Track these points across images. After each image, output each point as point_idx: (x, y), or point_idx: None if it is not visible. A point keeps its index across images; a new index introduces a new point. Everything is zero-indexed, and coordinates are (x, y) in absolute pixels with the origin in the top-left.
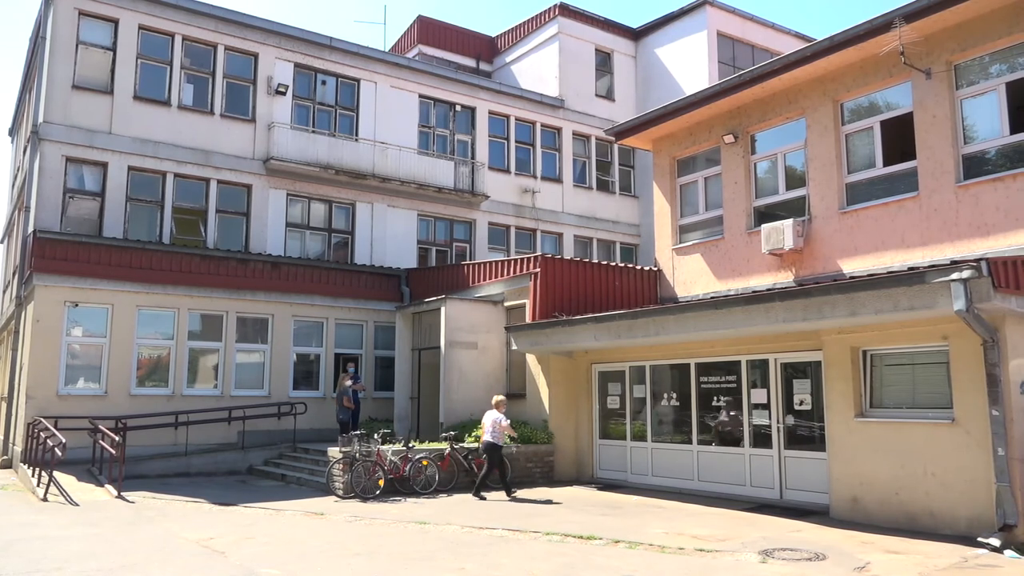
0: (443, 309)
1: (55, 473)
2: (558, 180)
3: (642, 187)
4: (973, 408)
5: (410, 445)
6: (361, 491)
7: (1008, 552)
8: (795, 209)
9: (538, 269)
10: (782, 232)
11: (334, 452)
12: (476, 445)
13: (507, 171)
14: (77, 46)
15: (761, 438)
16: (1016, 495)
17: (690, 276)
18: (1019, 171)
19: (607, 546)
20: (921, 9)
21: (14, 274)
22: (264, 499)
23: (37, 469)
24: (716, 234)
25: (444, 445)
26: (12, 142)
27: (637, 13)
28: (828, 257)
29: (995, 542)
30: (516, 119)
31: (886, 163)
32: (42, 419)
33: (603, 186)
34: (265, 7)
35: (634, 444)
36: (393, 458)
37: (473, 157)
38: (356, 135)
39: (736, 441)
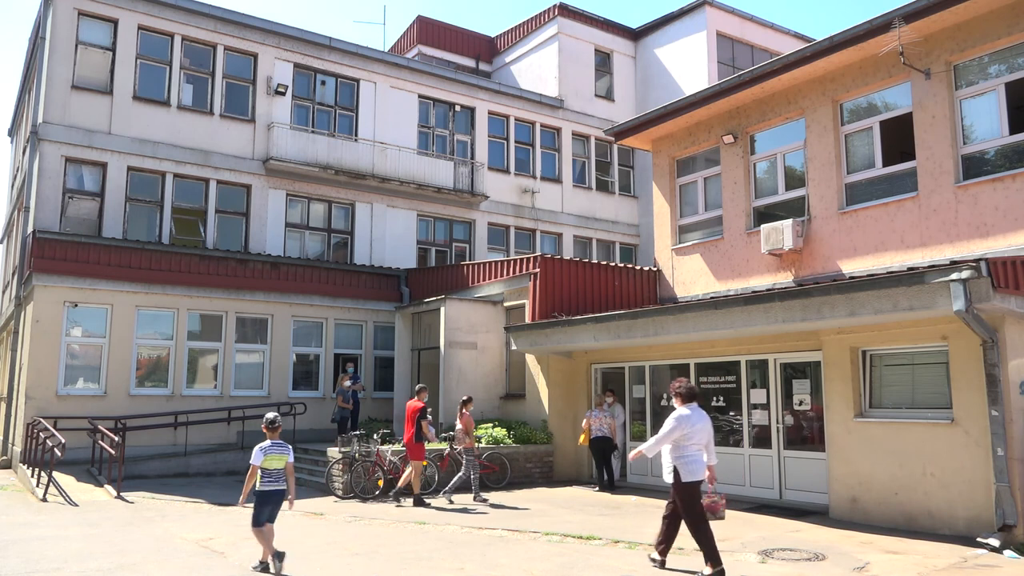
0: (442, 309)
1: (54, 473)
2: (557, 180)
3: (641, 187)
4: (972, 408)
5: None
6: (360, 491)
7: (1007, 552)
8: (794, 209)
9: (537, 269)
10: (781, 232)
11: (333, 452)
12: (475, 445)
13: (506, 171)
14: (76, 46)
15: (760, 438)
16: (1015, 495)
17: (690, 276)
18: (1018, 171)
19: (606, 546)
20: (920, 9)
21: (13, 274)
22: None
23: (36, 469)
24: (715, 234)
25: (443, 445)
26: (11, 142)
27: (637, 13)
28: (827, 257)
29: (994, 542)
30: (515, 119)
31: (885, 163)
32: (41, 419)
33: (602, 186)
34: (264, 7)
35: (633, 444)
36: (393, 458)
37: (472, 157)
38: (355, 135)
39: (735, 441)
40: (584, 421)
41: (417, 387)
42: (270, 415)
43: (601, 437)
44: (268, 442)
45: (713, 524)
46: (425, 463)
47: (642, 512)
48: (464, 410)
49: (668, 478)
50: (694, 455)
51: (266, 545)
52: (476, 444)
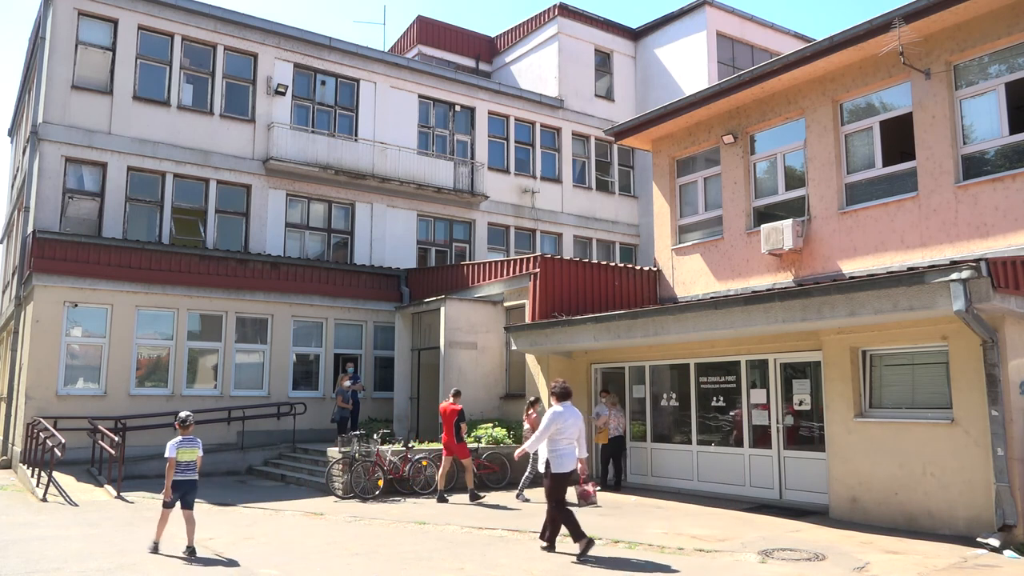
0: (443, 309)
1: (54, 473)
2: (557, 180)
3: (641, 187)
4: (972, 408)
5: (409, 445)
6: (360, 491)
7: (1007, 552)
8: (794, 209)
9: (537, 269)
10: (781, 232)
11: (333, 452)
12: (475, 445)
13: (506, 171)
14: (76, 46)
15: (761, 438)
16: (1015, 495)
17: (690, 276)
18: (1018, 171)
19: (606, 546)
20: (920, 9)
21: (13, 274)
22: (263, 499)
23: (36, 469)
24: (716, 234)
25: None
26: (12, 142)
27: (637, 13)
28: (827, 257)
29: (994, 542)
30: (515, 119)
31: (885, 163)
32: (41, 419)
33: (602, 186)
34: (264, 7)
35: (633, 444)
36: (392, 458)
37: (472, 157)
38: (355, 135)
39: (736, 441)
40: (600, 419)
41: (453, 391)
42: (182, 414)
43: (619, 437)
44: (180, 438)
45: (711, 523)
46: (425, 463)
47: (642, 512)
48: (531, 411)
49: (541, 468)
50: (564, 449)
51: (161, 528)
52: (475, 444)
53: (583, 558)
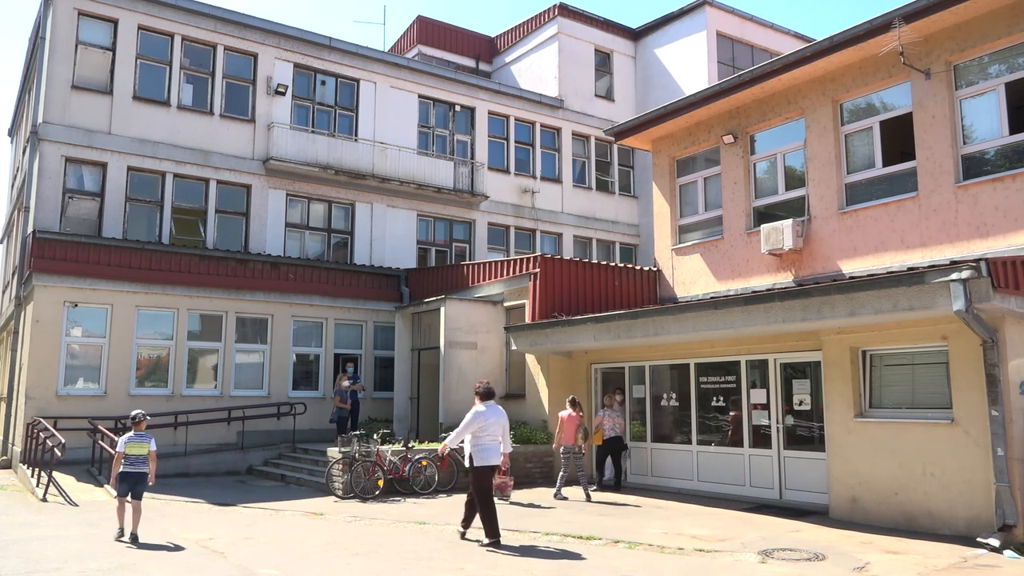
0: (442, 309)
1: (54, 473)
2: (557, 180)
3: (641, 187)
4: (972, 408)
5: (409, 445)
6: (360, 491)
7: (1007, 552)
8: (794, 209)
9: (537, 269)
10: (781, 232)
11: (333, 452)
12: None
13: (506, 171)
14: (76, 46)
15: (761, 438)
16: (1015, 495)
17: (690, 276)
18: (1018, 171)
19: (606, 546)
20: (920, 9)
21: (13, 274)
22: (263, 499)
23: (36, 469)
24: (716, 234)
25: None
26: (12, 142)
27: (637, 13)
28: (827, 257)
29: (994, 542)
30: (515, 119)
31: (885, 163)
32: (41, 419)
33: (602, 186)
34: (264, 7)
35: (633, 444)
36: (393, 458)
37: (472, 157)
38: (355, 135)
39: (736, 441)
40: (595, 420)
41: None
42: (133, 412)
43: (615, 437)
44: (131, 433)
45: (710, 524)
46: (425, 463)
47: (642, 512)
48: (574, 411)
49: (467, 463)
50: (488, 444)
51: (120, 515)
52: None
53: (485, 546)
